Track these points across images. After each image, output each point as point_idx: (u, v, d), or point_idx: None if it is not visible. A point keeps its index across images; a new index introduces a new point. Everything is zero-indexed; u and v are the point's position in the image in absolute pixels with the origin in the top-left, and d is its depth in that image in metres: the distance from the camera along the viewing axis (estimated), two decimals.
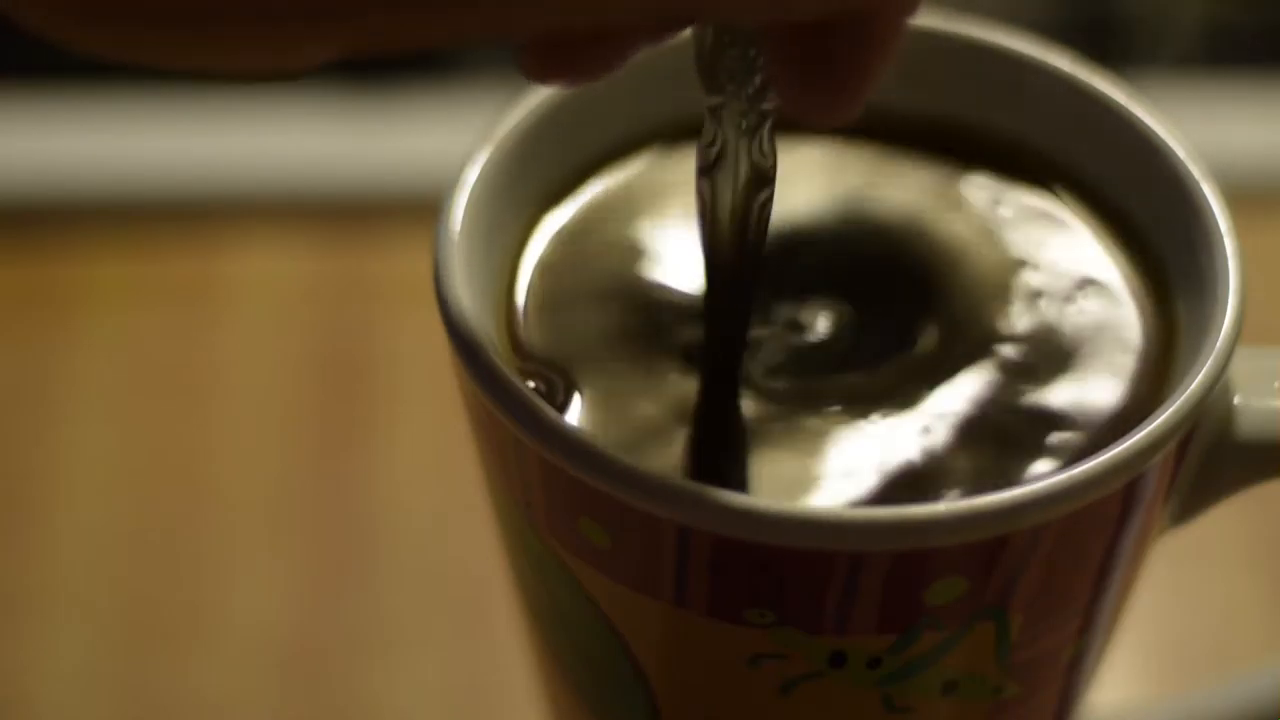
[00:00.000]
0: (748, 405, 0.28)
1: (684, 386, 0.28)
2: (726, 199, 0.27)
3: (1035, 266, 0.30)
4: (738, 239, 0.28)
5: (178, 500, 0.46)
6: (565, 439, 0.26)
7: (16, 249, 0.51)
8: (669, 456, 0.27)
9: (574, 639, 0.29)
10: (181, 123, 0.53)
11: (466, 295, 0.28)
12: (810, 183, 0.31)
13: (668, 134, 0.32)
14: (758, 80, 0.26)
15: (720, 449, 0.28)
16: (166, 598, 0.44)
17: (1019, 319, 0.29)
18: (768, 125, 0.27)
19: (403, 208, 0.51)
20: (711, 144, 0.27)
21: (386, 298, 0.50)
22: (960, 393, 0.28)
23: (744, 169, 0.27)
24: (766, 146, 0.27)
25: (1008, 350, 0.29)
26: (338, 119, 0.54)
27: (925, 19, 0.32)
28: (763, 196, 0.28)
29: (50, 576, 0.44)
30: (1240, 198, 0.31)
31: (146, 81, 0.54)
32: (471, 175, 0.29)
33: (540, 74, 0.24)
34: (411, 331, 0.49)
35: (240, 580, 0.44)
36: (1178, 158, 0.30)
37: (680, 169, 0.31)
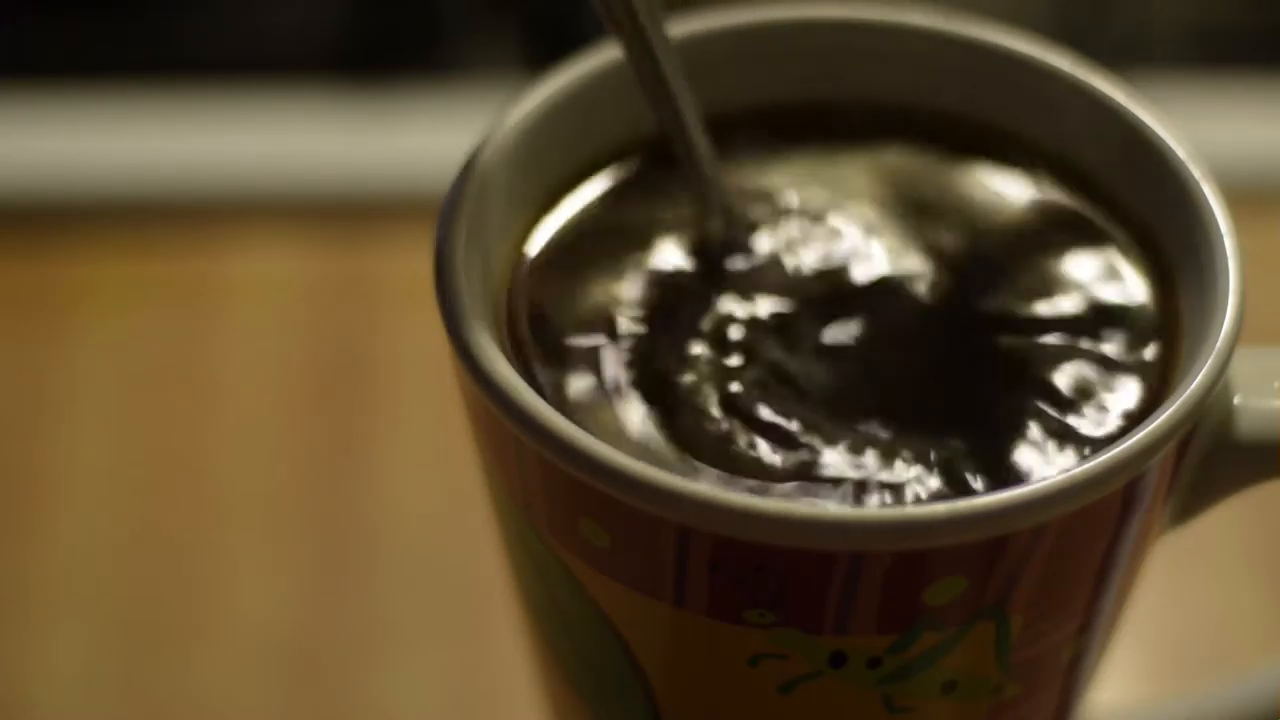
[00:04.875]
0: (749, 404, 0.28)
1: (685, 384, 0.28)
2: None
3: (1034, 267, 0.30)
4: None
5: (178, 500, 0.46)
6: (565, 440, 0.26)
7: (16, 249, 0.51)
8: (670, 457, 0.27)
9: (574, 639, 0.29)
10: (181, 122, 0.53)
11: (467, 295, 0.28)
12: (809, 183, 0.31)
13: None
14: None
15: (722, 449, 0.27)
16: (167, 598, 0.44)
17: (1017, 319, 0.29)
18: None
19: (403, 208, 0.51)
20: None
21: (386, 298, 0.50)
22: (959, 393, 0.28)
23: None
24: None
25: (1007, 350, 0.29)
26: (338, 119, 0.54)
27: (925, 19, 0.32)
28: None
29: (50, 576, 0.44)
30: (1240, 198, 0.31)
31: (147, 81, 0.54)
32: (472, 175, 0.29)
33: None
34: (412, 331, 0.49)
35: (241, 580, 0.44)
36: (1178, 158, 0.30)
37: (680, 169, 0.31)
